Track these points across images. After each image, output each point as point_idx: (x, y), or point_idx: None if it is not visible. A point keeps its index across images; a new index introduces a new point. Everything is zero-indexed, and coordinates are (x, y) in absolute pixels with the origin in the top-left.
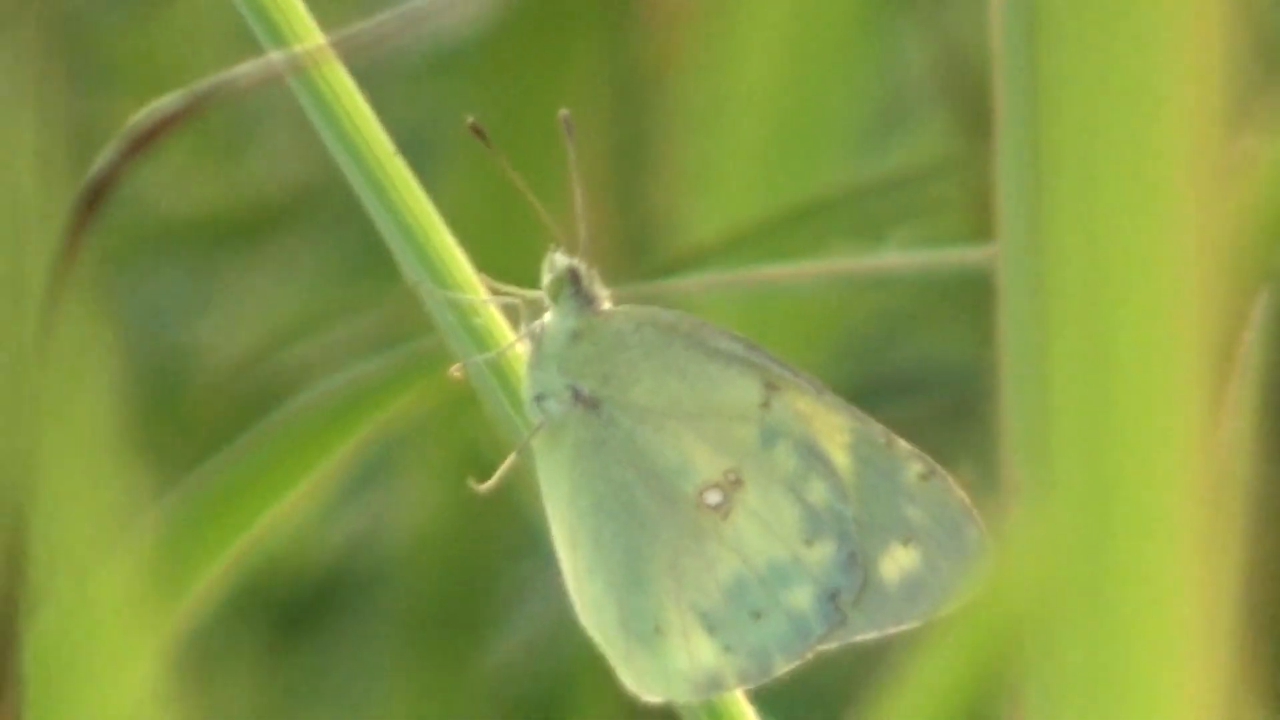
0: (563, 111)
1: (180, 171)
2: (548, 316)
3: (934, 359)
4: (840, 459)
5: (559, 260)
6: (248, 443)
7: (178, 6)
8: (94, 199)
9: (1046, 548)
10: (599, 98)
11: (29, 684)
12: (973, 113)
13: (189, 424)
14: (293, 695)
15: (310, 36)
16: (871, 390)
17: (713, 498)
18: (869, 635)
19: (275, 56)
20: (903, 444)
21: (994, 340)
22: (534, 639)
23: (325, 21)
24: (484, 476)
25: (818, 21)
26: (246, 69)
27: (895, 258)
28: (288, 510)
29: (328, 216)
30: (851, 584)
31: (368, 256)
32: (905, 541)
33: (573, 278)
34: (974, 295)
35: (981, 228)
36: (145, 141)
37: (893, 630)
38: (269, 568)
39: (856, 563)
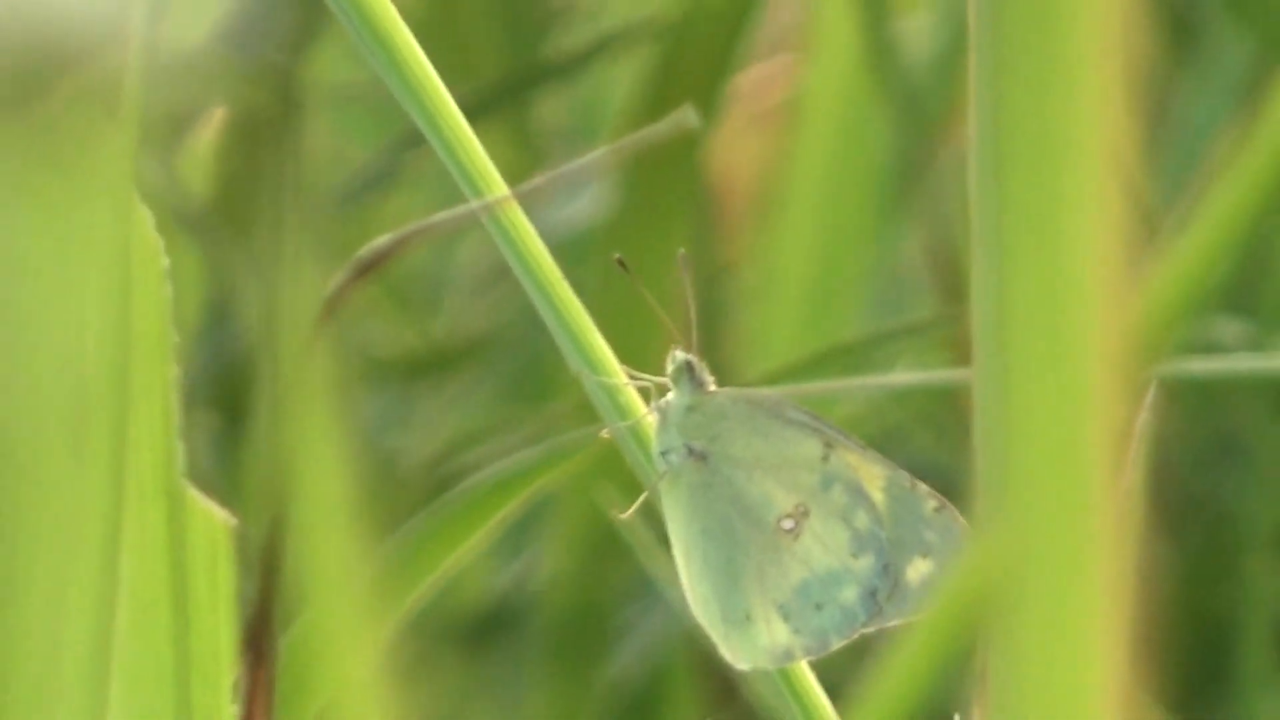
0: (681, 251)
1: (378, 320)
2: (670, 395)
3: (926, 452)
4: (878, 496)
5: (679, 355)
6: (437, 509)
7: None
8: (326, 317)
9: (1002, 563)
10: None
11: (279, 688)
12: (954, 283)
13: (397, 500)
14: (467, 697)
15: (498, 189)
16: None
17: (787, 524)
18: (896, 621)
19: (472, 204)
20: (922, 486)
21: (970, 439)
22: (642, 657)
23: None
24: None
25: (840, 222)
26: (444, 215)
27: (900, 376)
28: (466, 556)
29: (496, 355)
30: (886, 586)
31: (527, 386)
32: (924, 555)
33: (689, 368)
34: (958, 407)
35: (961, 360)
36: (369, 269)
37: (914, 618)
38: (451, 600)
39: (889, 571)
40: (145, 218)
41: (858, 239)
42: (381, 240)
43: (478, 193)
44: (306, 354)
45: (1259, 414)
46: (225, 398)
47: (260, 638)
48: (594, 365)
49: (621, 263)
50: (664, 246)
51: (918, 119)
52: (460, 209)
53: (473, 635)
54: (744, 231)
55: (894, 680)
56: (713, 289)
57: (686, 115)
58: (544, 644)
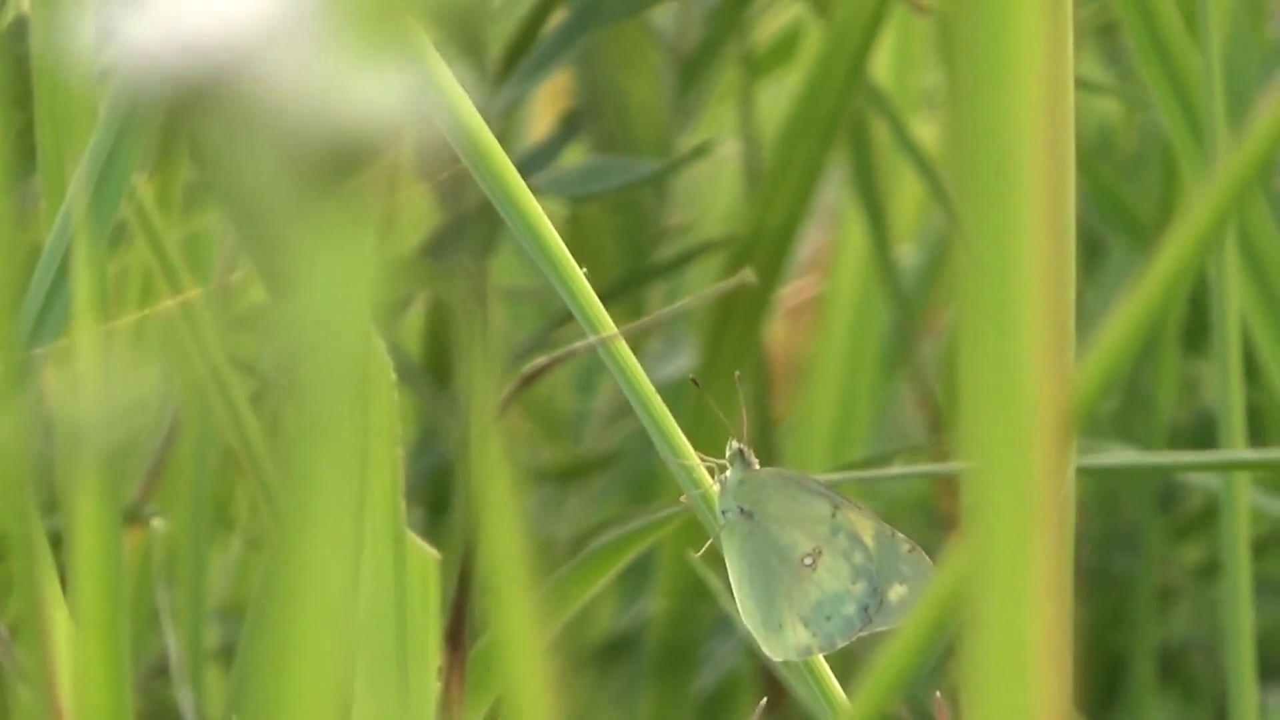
0: (737, 373)
1: (542, 445)
2: (728, 472)
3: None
4: (869, 541)
5: (734, 444)
6: (577, 561)
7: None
8: (502, 414)
9: (968, 586)
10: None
11: (471, 678)
12: (935, 421)
13: (553, 561)
14: (595, 701)
15: (622, 348)
16: None
17: (807, 561)
18: (882, 629)
19: (590, 340)
20: (900, 534)
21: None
22: (721, 670)
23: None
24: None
25: (855, 382)
26: (580, 344)
27: (899, 469)
28: (597, 596)
29: (623, 465)
30: (874, 604)
31: (645, 487)
32: (901, 582)
33: (741, 453)
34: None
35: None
36: (531, 379)
37: (894, 627)
38: (586, 630)
39: (877, 593)
40: (380, 347)
41: (867, 393)
42: (539, 362)
43: (606, 349)
44: (491, 466)
45: (1149, 503)
46: (433, 497)
47: (456, 638)
48: (678, 455)
49: (695, 381)
50: (734, 390)
51: (908, 312)
52: (588, 341)
53: (600, 656)
54: (789, 388)
55: (883, 670)
56: (766, 429)
57: (747, 275)
58: (651, 662)
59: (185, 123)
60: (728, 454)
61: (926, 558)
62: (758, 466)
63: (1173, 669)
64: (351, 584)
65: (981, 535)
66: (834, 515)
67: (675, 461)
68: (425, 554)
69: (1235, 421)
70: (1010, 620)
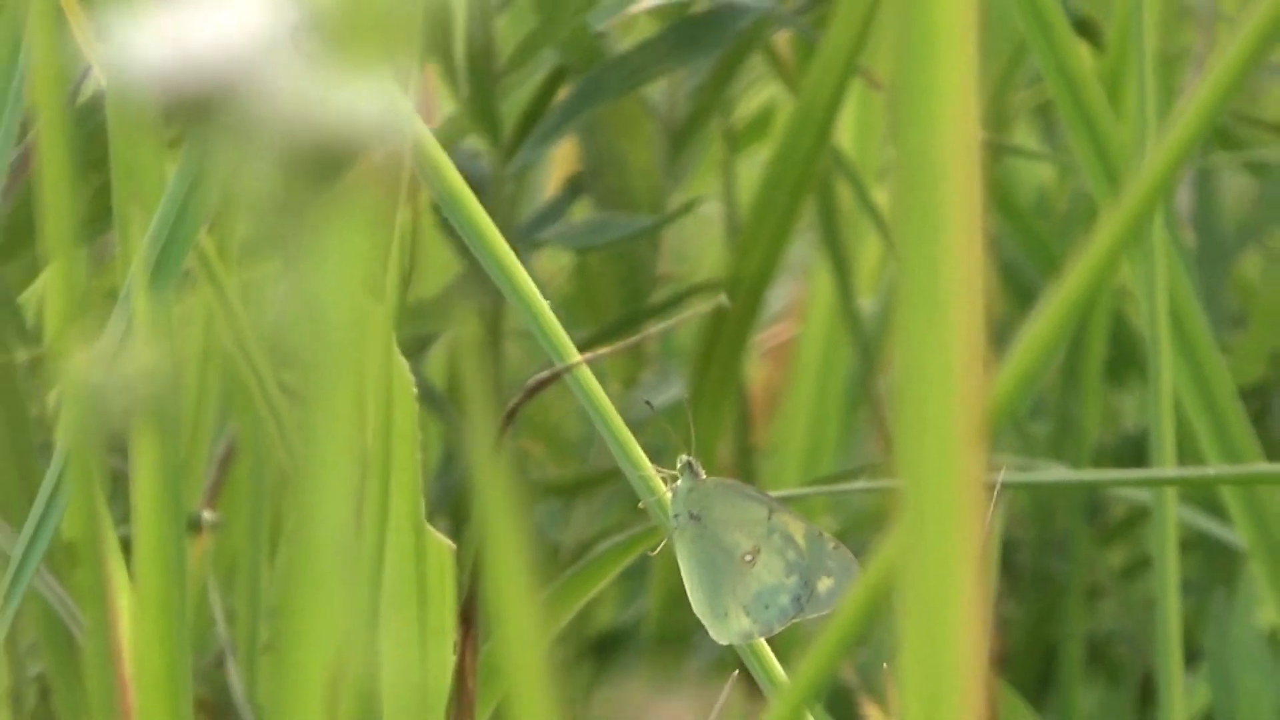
0: (685, 397)
1: (550, 463)
2: (679, 481)
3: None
4: (800, 540)
5: (684, 458)
6: (580, 565)
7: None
8: (506, 424)
9: (898, 574)
10: (724, 443)
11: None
12: (892, 445)
13: (549, 572)
14: (595, 686)
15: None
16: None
17: (748, 558)
18: (812, 616)
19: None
20: (826, 534)
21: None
22: (709, 661)
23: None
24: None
25: (822, 413)
26: (555, 369)
27: (859, 485)
28: (598, 595)
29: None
30: (806, 594)
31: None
32: (828, 576)
33: (689, 465)
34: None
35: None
36: (532, 393)
37: (823, 614)
38: (589, 624)
39: (808, 585)
40: (403, 366)
41: (833, 422)
42: (532, 381)
43: (573, 376)
44: (495, 477)
45: (1078, 514)
46: (456, 508)
47: (469, 616)
48: (639, 468)
49: (649, 403)
50: (717, 421)
51: (868, 354)
52: (556, 368)
53: (601, 647)
54: (767, 418)
55: (817, 650)
56: (747, 453)
57: (724, 302)
58: (647, 649)
59: (188, 128)
60: (678, 465)
61: (850, 554)
62: (704, 477)
63: (1100, 656)
64: (351, 523)
65: (912, 525)
66: (770, 518)
67: (633, 472)
68: (442, 545)
69: (1166, 444)
70: (937, 597)
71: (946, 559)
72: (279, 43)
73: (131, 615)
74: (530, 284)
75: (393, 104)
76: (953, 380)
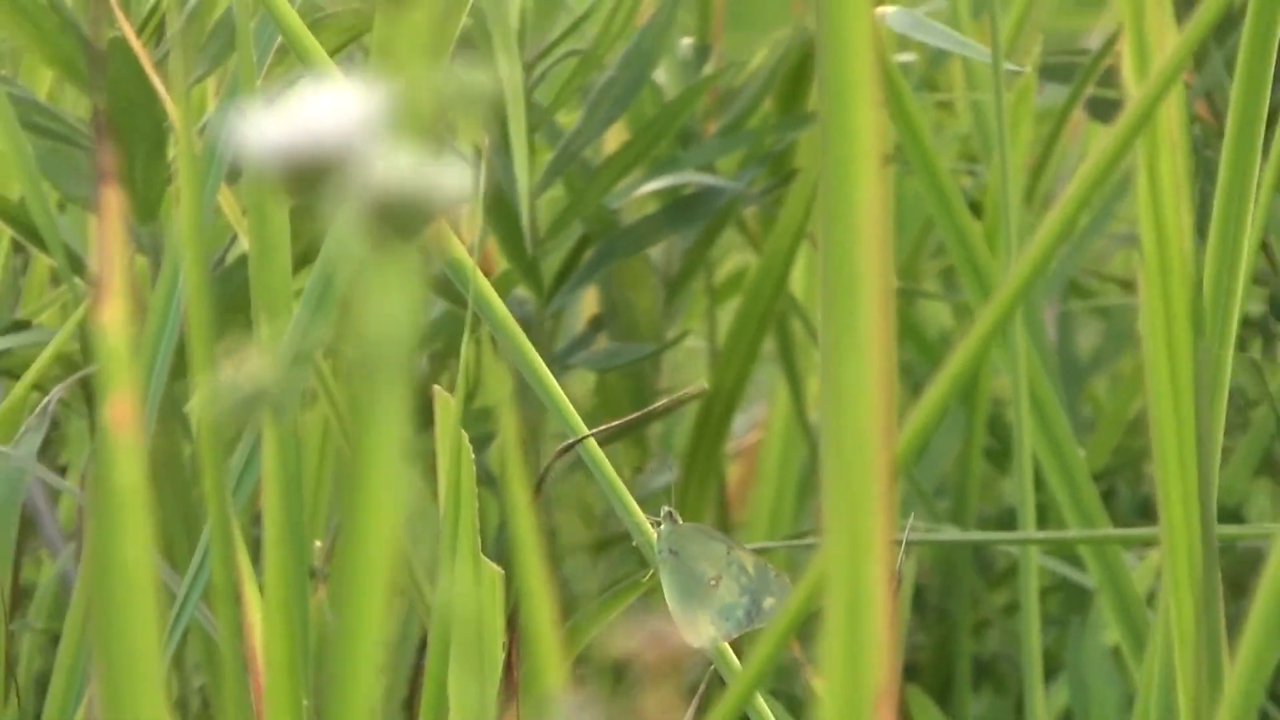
0: (670, 461)
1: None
2: (663, 526)
3: None
4: (750, 569)
5: (665, 509)
6: (594, 602)
7: None
8: (538, 489)
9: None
10: (707, 518)
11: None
12: None
13: (579, 604)
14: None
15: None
16: None
17: (713, 582)
18: (759, 626)
19: (573, 438)
20: (770, 565)
21: None
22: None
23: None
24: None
25: (783, 490)
26: (573, 439)
27: (809, 541)
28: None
29: (625, 541)
30: (755, 610)
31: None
32: (771, 596)
33: (670, 515)
34: None
35: None
36: (565, 451)
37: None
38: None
39: (757, 603)
40: (469, 454)
41: (788, 504)
42: (568, 442)
43: (587, 451)
44: (525, 532)
45: (969, 565)
46: (506, 563)
47: (514, 626)
48: (632, 516)
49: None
50: (702, 501)
51: (815, 453)
52: (571, 440)
53: (616, 670)
54: (740, 500)
55: (761, 646)
56: (725, 528)
57: (701, 387)
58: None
59: (301, 196)
60: (661, 515)
61: (788, 580)
62: (680, 523)
63: (987, 673)
64: (399, 521)
65: (839, 567)
66: (728, 553)
67: (629, 519)
68: (493, 571)
69: (1028, 515)
70: (854, 608)
71: (865, 593)
72: (370, 131)
73: (264, 643)
74: (563, 396)
75: (456, 178)
76: (871, 466)
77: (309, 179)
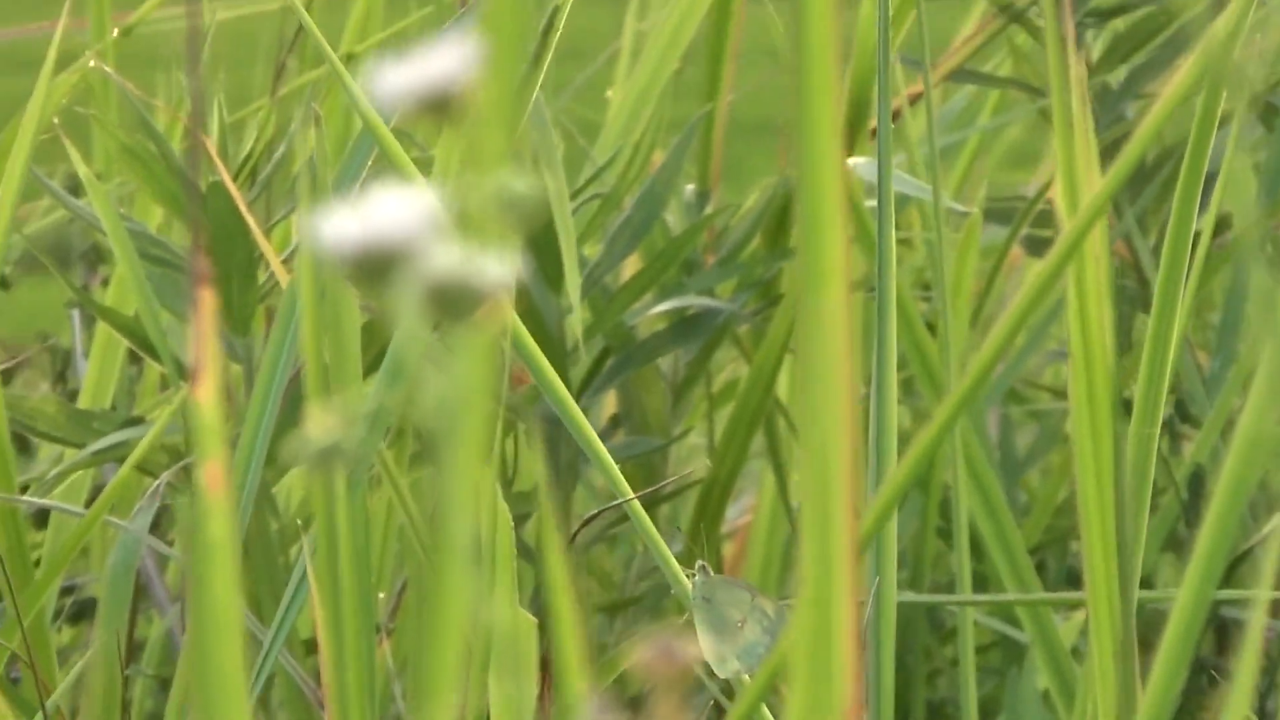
0: (683, 532)
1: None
2: (696, 578)
3: None
4: (771, 613)
5: (700, 564)
6: (610, 652)
7: None
8: (573, 547)
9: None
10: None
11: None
12: None
13: (602, 653)
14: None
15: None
16: None
17: (739, 624)
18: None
19: (618, 500)
20: (779, 604)
21: None
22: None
23: None
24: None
25: (770, 557)
26: (611, 504)
27: (788, 602)
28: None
29: (657, 600)
30: (774, 647)
31: (658, 614)
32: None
33: (704, 568)
34: None
35: None
36: (593, 518)
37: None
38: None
39: (774, 638)
40: (510, 526)
41: (777, 567)
42: (593, 512)
43: (631, 510)
44: (560, 588)
45: (923, 623)
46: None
47: (546, 663)
48: (671, 568)
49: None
50: (711, 553)
51: (796, 533)
52: (616, 501)
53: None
54: (734, 567)
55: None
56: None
57: (702, 475)
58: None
59: (367, 285)
60: (696, 568)
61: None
62: (712, 574)
63: (937, 714)
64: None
65: (809, 611)
66: (753, 600)
67: (668, 570)
68: (529, 619)
69: (965, 581)
70: (823, 657)
71: (834, 645)
72: (428, 230)
73: (335, 687)
74: (612, 463)
75: (500, 270)
76: (841, 542)
77: (378, 269)
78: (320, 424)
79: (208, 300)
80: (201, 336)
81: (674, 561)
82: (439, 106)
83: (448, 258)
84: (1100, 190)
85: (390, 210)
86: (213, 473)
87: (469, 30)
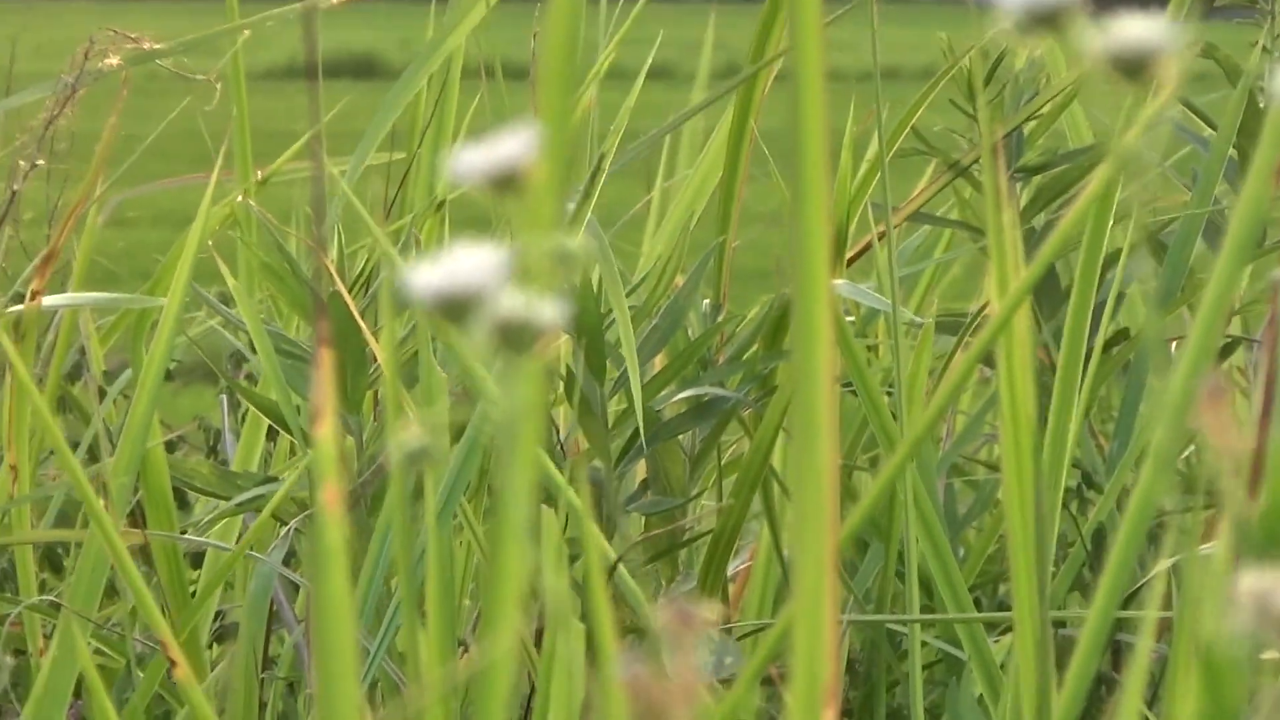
0: (681, 584)
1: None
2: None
3: None
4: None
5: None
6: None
7: None
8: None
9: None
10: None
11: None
12: None
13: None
14: None
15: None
16: None
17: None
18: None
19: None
20: (730, 641)
21: None
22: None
23: None
24: None
25: (766, 591)
26: (633, 542)
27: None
28: None
29: None
30: (723, 665)
31: None
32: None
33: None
34: None
35: None
36: (628, 548)
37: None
38: None
39: (738, 656)
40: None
41: (770, 602)
42: (619, 555)
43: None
44: (602, 619)
45: (887, 643)
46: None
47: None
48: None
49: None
50: (713, 600)
51: (789, 577)
52: (636, 539)
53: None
54: (737, 602)
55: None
56: (726, 620)
57: (712, 522)
58: None
59: (444, 322)
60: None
61: (739, 648)
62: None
63: (897, 717)
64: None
65: (801, 631)
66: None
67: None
68: (579, 627)
69: (914, 606)
70: (813, 658)
71: (819, 654)
72: (497, 278)
73: (427, 689)
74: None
75: (552, 312)
76: (823, 580)
77: (455, 311)
78: (409, 433)
79: (327, 360)
80: (321, 387)
81: (639, 592)
82: (505, 181)
83: (511, 301)
84: (1024, 277)
85: (465, 263)
86: (329, 492)
87: (528, 121)
